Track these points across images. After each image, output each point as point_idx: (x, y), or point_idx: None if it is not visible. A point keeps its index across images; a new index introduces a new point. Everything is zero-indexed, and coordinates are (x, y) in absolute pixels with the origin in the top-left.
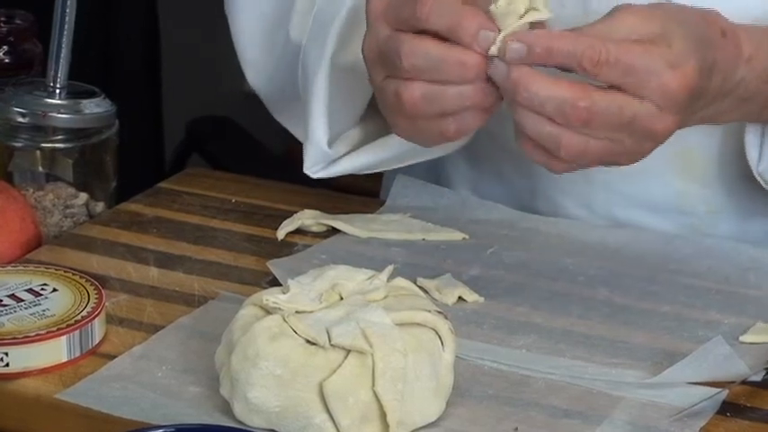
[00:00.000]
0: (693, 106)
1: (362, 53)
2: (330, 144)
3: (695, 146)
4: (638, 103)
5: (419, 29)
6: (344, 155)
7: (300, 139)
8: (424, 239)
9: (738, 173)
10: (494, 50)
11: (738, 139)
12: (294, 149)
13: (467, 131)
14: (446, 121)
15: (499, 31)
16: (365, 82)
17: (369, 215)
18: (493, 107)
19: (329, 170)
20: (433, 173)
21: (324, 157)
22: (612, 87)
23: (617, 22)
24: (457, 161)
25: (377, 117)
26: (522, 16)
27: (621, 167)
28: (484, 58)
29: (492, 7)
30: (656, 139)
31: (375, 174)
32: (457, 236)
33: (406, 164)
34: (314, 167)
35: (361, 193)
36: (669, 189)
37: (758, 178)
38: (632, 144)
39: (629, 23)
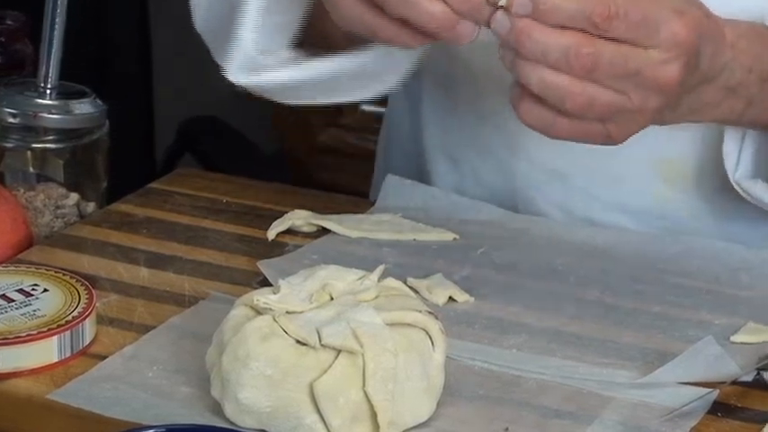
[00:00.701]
0: (688, 79)
1: None
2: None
3: (675, 155)
4: (644, 53)
5: None
6: (272, 67)
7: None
8: (414, 240)
9: (718, 181)
10: (502, 2)
11: (717, 147)
12: (286, 150)
13: (398, 44)
14: (384, 24)
15: None
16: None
17: (359, 215)
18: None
19: (252, 77)
20: (416, 175)
21: (249, 62)
22: (618, 41)
23: None
24: (439, 163)
25: (309, 46)
26: None
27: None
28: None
29: None
30: (662, 91)
31: (365, 174)
32: (447, 236)
33: (337, 98)
34: (238, 73)
35: (351, 193)
36: (648, 195)
37: (735, 186)
38: (638, 98)
39: None
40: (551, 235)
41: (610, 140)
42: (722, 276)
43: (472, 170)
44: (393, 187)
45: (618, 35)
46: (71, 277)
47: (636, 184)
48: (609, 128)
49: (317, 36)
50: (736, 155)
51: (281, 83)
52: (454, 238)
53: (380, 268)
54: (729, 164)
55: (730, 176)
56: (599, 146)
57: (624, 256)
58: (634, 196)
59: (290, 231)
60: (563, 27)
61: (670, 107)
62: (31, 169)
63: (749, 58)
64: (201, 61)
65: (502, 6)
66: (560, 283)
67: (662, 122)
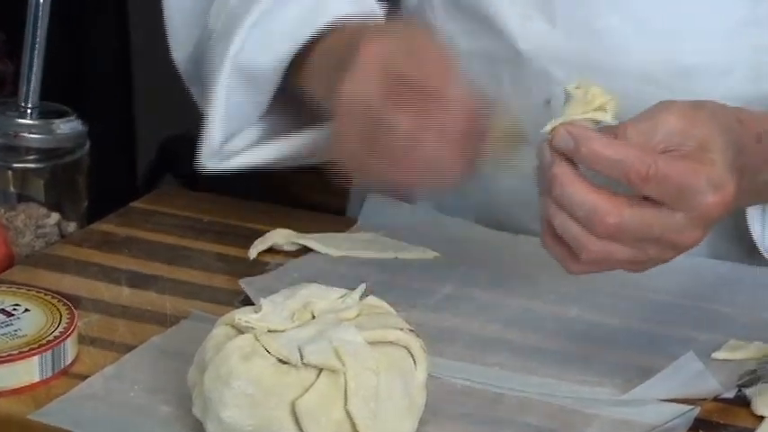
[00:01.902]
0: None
1: (342, 96)
2: (228, 138)
3: None
4: (669, 218)
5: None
6: (239, 152)
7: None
8: (396, 258)
9: None
10: (547, 128)
11: None
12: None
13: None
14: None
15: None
16: (264, 87)
17: (341, 234)
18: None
19: (222, 165)
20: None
21: (217, 153)
22: (649, 199)
23: (660, 122)
24: None
25: (275, 117)
26: (587, 112)
27: None
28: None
29: (566, 87)
30: (679, 249)
31: (347, 192)
32: (429, 254)
33: (304, 163)
34: (207, 162)
35: (333, 211)
36: None
37: (765, 254)
38: (655, 253)
39: (671, 124)
40: (533, 253)
41: (625, 270)
42: (704, 293)
43: None
44: (374, 206)
45: (652, 195)
46: (52, 297)
47: None
48: (623, 265)
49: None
50: (761, 222)
51: (246, 166)
52: (435, 257)
53: (362, 287)
54: (756, 230)
55: (759, 245)
56: None
57: (606, 273)
58: None
59: (271, 250)
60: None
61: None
62: (12, 189)
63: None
64: (181, 80)
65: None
66: (542, 300)
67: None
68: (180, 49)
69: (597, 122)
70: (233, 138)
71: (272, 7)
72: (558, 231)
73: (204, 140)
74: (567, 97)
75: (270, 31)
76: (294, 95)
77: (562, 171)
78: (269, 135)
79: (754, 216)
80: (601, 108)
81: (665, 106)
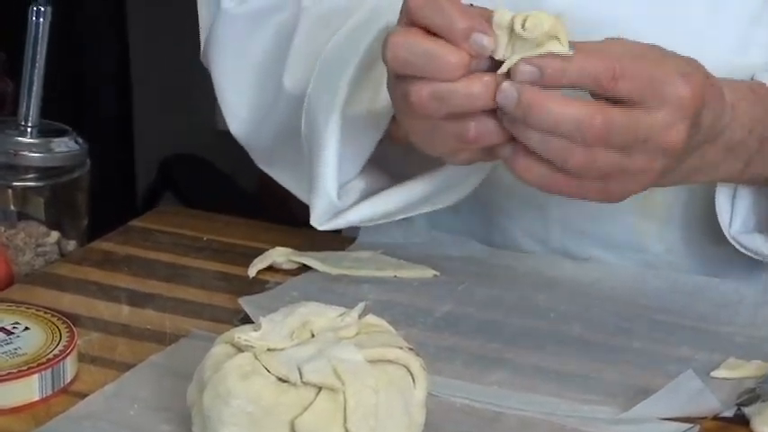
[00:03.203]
0: (691, 141)
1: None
2: (338, 195)
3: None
4: (652, 116)
5: (412, 23)
6: (351, 206)
7: (288, 187)
8: (395, 276)
9: (697, 214)
10: (503, 69)
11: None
12: (265, 187)
13: (487, 138)
14: (465, 123)
15: (512, 53)
16: (373, 132)
17: (340, 252)
18: None
19: (336, 221)
20: None
21: (332, 208)
22: (623, 104)
23: (611, 44)
24: None
25: (380, 168)
26: (539, 45)
27: (575, 204)
28: (470, 57)
29: (495, 17)
30: (667, 153)
31: None
32: (428, 273)
33: (415, 213)
34: (321, 219)
35: (332, 230)
36: (626, 227)
37: (732, 242)
38: (642, 160)
39: (623, 44)
40: (533, 271)
41: (607, 199)
42: (704, 312)
43: None
44: (374, 224)
45: (625, 94)
46: (52, 315)
47: (612, 216)
48: (608, 187)
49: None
50: (729, 213)
51: (361, 219)
52: (435, 275)
53: (361, 305)
54: (724, 220)
55: (726, 232)
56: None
57: (606, 291)
58: (610, 228)
59: (270, 268)
60: (572, 87)
61: (672, 169)
62: (12, 207)
63: (749, 119)
64: (182, 99)
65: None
66: (542, 319)
67: (663, 184)
68: (239, 122)
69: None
70: (342, 191)
71: (369, 54)
72: (539, 150)
73: (316, 200)
74: (514, 35)
75: (372, 74)
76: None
77: (533, 93)
78: (374, 187)
79: (722, 197)
80: (550, 36)
81: (612, 39)
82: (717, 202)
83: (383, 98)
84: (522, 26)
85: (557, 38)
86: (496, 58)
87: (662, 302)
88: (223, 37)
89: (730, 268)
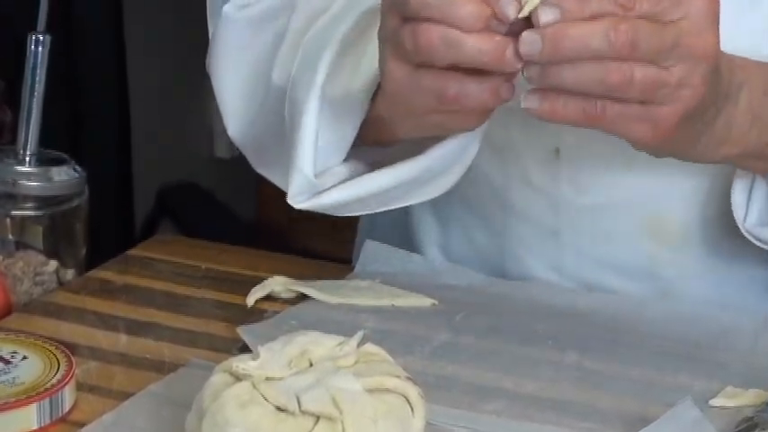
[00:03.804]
0: (714, 84)
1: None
2: (318, 175)
3: (665, 213)
4: (677, 25)
5: None
6: (331, 187)
7: (280, 185)
8: (393, 305)
9: (710, 238)
10: (524, 12)
11: (708, 206)
12: (262, 215)
13: (464, 101)
14: (449, 79)
15: None
16: (353, 115)
17: (338, 281)
18: (497, 95)
19: (314, 201)
20: (403, 233)
21: (309, 186)
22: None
23: None
24: (426, 222)
25: (363, 156)
26: None
27: (589, 230)
28: (491, 13)
29: None
30: (706, 60)
31: (342, 240)
32: (426, 301)
33: (390, 207)
34: (298, 197)
35: (329, 259)
36: (639, 253)
37: (746, 234)
38: (679, 71)
39: None
40: (531, 300)
41: (657, 126)
42: (701, 340)
43: (461, 227)
44: (372, 253)
45: (646, 13)
46: (50, 344)
47: (626, 241)
48: (653, 113)
49: (370, 140)
50: (745, 204)
51: (340, 201)
52: (433, 304)
53: (359, 334)
54: (739, 213)
55: (740, 225)
56: (596, 204)
57: (604, 319)
58: (624, 254)
59: (269, 297)
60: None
61: (707, 118)
62: (10, 236)
63: (762, 80)
64: (180, 128)
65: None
66: (539, 347)
67: (700, 153)
68: (235, 123)
69: None
70: (323, 175)
71: (349, 34)
72: (574, 84)
73: (292, 176)
74: None
75: (354, 53)
76: (373, 132)
77: (556, 29)
78: (359, 172)
79: (738, 189)
80: None
81: None
82: (733, 195)
83: (361, 79)
84: None
85: None
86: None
87: (660, 330)
88: (224, 41)
89: (742, 295)
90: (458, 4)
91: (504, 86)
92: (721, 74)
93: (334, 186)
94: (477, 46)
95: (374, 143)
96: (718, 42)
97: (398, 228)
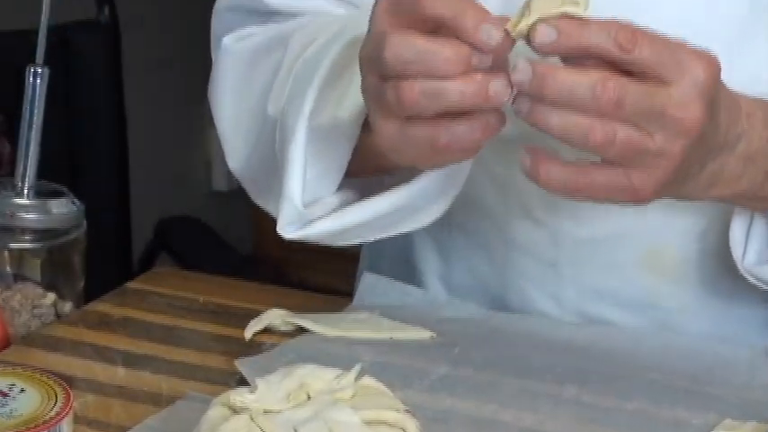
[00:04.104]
0: (709, 130)
1: (359, 56)
2: (308, 205)
3: (664, 246)
4: (667, 91)
5: (419, 18)
6: (321, 217)
7: (276, 216)
8: (391, 338)
9: (709, 272)
10: (522, 28)
11: (707, 239)
12: (259, 248)
13: (457, 144)
14: (439, 128)
15: (529, 14)
16: (343, 145)
17: (336, 314)
18: (488, 129)
19: (303, 231)
20: (405, 265)
21: (298, 216)
22: (641, 74)
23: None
24: (428, 253)
25: (352, 191)
26: (559, 6)
27: (589, 263)
28: (470, 53)
29: None
30: (685, 132)
31: (340, 272)
32: (425, 334)
33: (383, 235)
34: (288, 227)
35: (327, 291)
36: (639, 286)
37: (744, 274)
38: (660, 139)
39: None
40: (529, 333)
41: (636, 195)
42: (698, 374)
43: (462, 259)
44: (370, 285)
45: (642, 62)
46: (48, 377)
47: (625, 274)
48: (633, 177)
49: (362, 170)
50: (743, 245)
51: (330, 231)
52: (431, 337)
53: (357, 367)
54: (737, 252)
55: (738, 264)
56: (595, 237)
57: (602, 353)
58: (623, 287)
59: (267, 330)
60: (588, 55)
61: (692, 173)
62: (8, 269)
63: (765, 128)
64: (177, 161)
65: (525, 38)
66: (538, 380)
67: (685, 193)
68: (235, 156)
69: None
70: (313, 205)
71: (336, 62)
72: (558, 131)
73: (282, 206)
74: (525, 9)
75: (341, 83)
76: (372, 160)
77: (547, 66)
78: (351, 202)
79: (737, 228)
80: (569, 2)
81: None
82: (731, 234)
83: (349, 108)
84: None
85: (574, 1)
86: (512, 35)
87: (657, 363)
88: (223, 72)
89: (742, 331)
90: (433, 53)
91: (493, 118)
92: (719, 126)
93: (323, 216)
94: (460, 89)
95: (375, 170)
96: (704, 117)
97: (400, 259)
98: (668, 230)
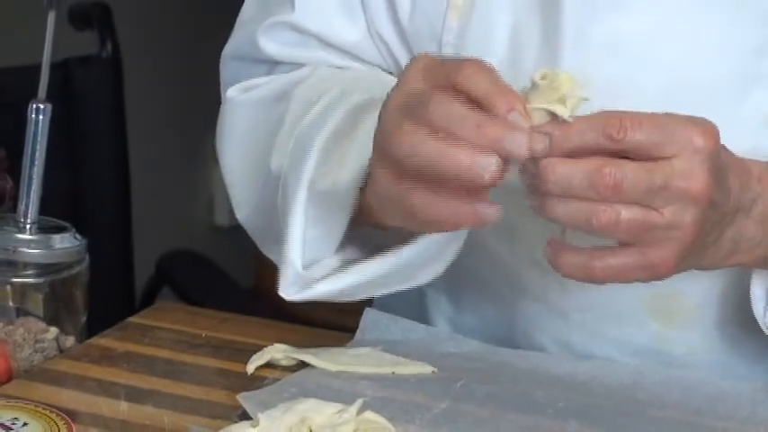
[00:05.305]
0: (719, 195)
1: (386, 107)
2: (309, 266)
3: (674, 291)
4: (667, 165)
5: (451, 85)
6: (321, 279)
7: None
8: (393, 373)
9: (716, 317)
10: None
11: (718, 284)
12: (262, 283)
13: (463, 224)
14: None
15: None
16: (342, 208)
17: (338, 348)
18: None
19: (305, 293)
20: (416, 308)
21: (299, 279)
22: (638, 156)
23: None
24: (437, 296)
25: (355, 247)
26: (550, 102)
27: (598, 309)
28: (503, 131)
29: (533, 76)
30: (694, 201)
31: (345, 310)
32: (426, 369)
33: (383, 292)
34: (289, 289)
35: (328, 327)
36: (647, 332)
37: (766, 331)
38: (669, 213)
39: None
40: (532, 368)
41: (656, 271)
42: (701, 407)
43: (471, 304)
44: (372, 321)
45: (636, 146)
46: (51, 411)
47: (633, 320)
48: (649, 255)
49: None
50: (765, 299)
51: (331, 292)
52: (433, 372)
53: (359, 402)
54: (758, 310)
55: (759, 320)
56: (605, 284)
57: (605, 387)
58: (632, 333)
59: (269, 365)
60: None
61: (711, 240)
62: (11, 303)
63: None
64: (180, 196)
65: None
66: (540, 415)
67: (709, 264)
68: (241, 206)
69: (553, 115)
70: (314, 266)
71: (339, 127)
72: (564, 220)
73: (283, 269)
74: (533, 86)
75: (342, 148)
76: (371, 219)
77: (547, 160)
78: (350, 263)
79: (757, 285)
80: (561, 100)
81: None
82: (752, 292)
83: (349, 173)
84: (541, 78)
85: (563, 103)
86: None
87: (659, 397)
88: (228, 125)
89: (748, 369)
90: (468, 120)
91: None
92: (730, 190)
93: (323, 278)
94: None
95: (375, 227)
96: (710, 182)
97: (411, 303)
98: (676, 277)
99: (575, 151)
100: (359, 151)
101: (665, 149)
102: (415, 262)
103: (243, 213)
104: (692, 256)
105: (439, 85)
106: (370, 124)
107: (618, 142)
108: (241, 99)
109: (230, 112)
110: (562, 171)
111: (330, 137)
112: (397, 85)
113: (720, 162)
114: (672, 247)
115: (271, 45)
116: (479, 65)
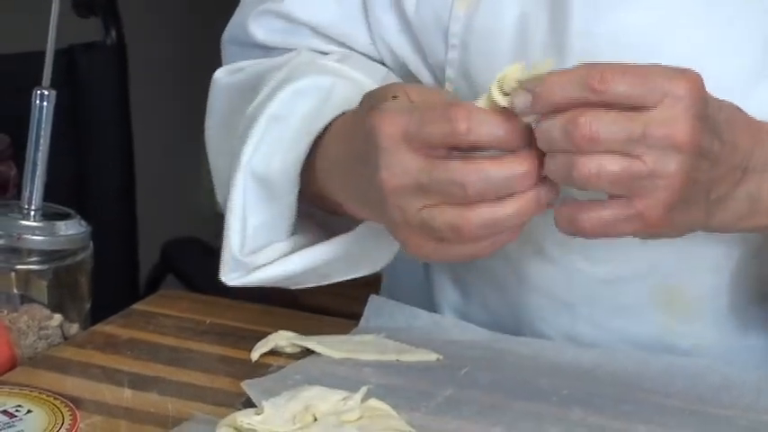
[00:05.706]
0: (707, 141)
1: (380, 185)
2: (253, 252)
3: (679, 283)
4: (647, 113)
5: (457, 146)
6: (264, 265)
7: None
8: (397, 360)
9: (722, 308)
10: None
11: (724, 274)
12: None
13: (498, 248)
14: (483, 243)
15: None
16: (285, 193)
17: (342, 336)
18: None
19: (245, 279)
20: (424, 297)
21: (238, 265)
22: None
23: None
24: (445, 287)
25: (308, 231)
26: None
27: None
28: (536, 157)
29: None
30: (679, 148)
31: (348, 296)
32: (431, 356)
33: (330, 281)
34: (230, 275)
35: (334, 314)
36: (653, 324)
37: None
38: (652, 160)
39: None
40: (536, 355)
41: (645, 222)
42: (705, 395)
43: (478, 295)
44: (377, 308)
45: (619, 97)
46: (55, 398)
47: (640, 313)
48: (636, 204)
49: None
50: None
51: (272, 278)
52: (437, 359)
53: (363, 389)
54: None
55: None
56: (609, 276)
57: (609, 375)
58: (638, 325)
59: (273, 352)
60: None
61: (712, 194)
62: (15, 290)
63: None
64: (183, 183)
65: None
66: (544, 403)
67: (717, 224)
68: (221, 192)
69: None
70: (258, 252)
71: (276, 113)
72: (548, 174)
73: (223, 254)
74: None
75: (280, 133)
76: (316, 206)
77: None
78: (303, 246)
79: None
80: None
81: None
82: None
83: (290, 157)
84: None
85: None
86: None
87: (663, 386)
88: (213, 106)
89: (753, 358)
90: (514, 178)
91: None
92: (736, 145)
93: (267, 264)
94: (517, 210)
95: (331, 211)
96: (695, 129)
97: (420, 291)
98: (683, 268)
99: (559, 106)
100: (293, 138)
101: (648, 99)
102: (360, 251)
103: (221, 196)
104: (691, 210)
105: (438, 149)
106: (305, 110)
107: (600, 93)
108: (225, 81)
109: (216, 94)
110: (542, 125)
111: (268, 121)
112: (377, 164)
113: (710, 111)
114: (659, 195)
115: (260, 31)
116: (443, 109)
